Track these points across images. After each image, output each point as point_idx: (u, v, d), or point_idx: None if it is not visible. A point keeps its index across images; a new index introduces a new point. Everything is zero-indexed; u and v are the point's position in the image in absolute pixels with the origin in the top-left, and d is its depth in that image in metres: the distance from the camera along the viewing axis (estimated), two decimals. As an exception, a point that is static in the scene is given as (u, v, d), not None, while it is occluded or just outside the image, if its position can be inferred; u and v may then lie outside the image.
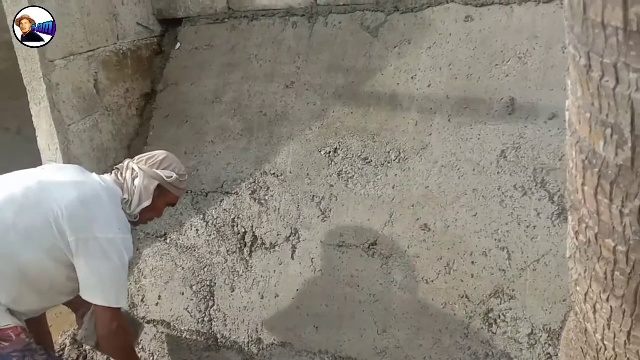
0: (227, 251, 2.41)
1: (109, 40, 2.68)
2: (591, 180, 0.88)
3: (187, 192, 2.58)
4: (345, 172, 2.33)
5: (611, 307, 1.02)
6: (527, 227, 2.00)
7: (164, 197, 1.92)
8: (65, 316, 2.60)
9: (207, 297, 2.38)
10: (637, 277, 0.91)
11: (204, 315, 2.36)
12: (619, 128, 0.77)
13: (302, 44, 2.61)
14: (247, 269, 2.36)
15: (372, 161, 2.30)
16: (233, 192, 2.50)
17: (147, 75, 2.92)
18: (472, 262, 2.04)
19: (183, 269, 2.46)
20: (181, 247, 2.50)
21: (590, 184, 0.89)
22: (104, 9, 2.63)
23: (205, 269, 2.42)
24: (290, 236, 2.34)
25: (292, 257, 2.31)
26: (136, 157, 1.95)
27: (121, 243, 1.69)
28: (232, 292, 2.35)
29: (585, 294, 1.11)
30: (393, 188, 2.24)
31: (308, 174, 2.39)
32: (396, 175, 2.25)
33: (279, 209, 2.39)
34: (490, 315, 1.98)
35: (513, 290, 1.97)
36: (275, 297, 2.29)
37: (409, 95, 2.33)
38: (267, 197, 2.43)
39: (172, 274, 2.47)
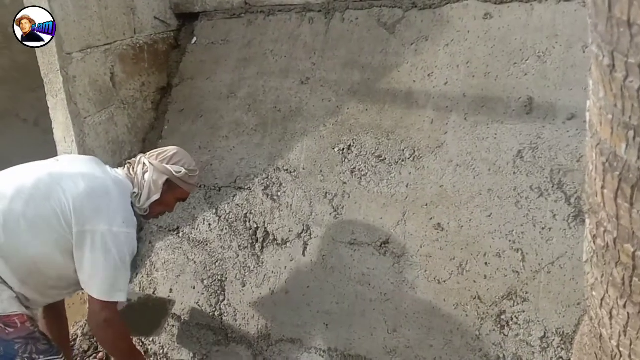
0: (239, 246, 2.41)
1: (126, 34, 2.69)
2: (611, 183, 0.86)
3: (200, 187, 2.59)
4: (359, 169, 2.32)
5: (628, 313, 1.00)
6: (543, 228, 1.97)
7: (173, 191, 1.95)
8: (78, 307, 2.63)
9: (218, 292, 2.39)
10: (657, 283, 0.89)
11: (214, 309, 2.37)
12: (642, 130, 0.75)
13: (318, 39, 2.59)
14: (258, 264, 2.36)
15: (386, 159, 2.28)
16: (246, 187, 2.50)
17: (163, 69, 2.93)
18: (486, 263, 2.02)
19: (195, 262, 2.46)
20: (193, 241, 2.51)
21: (610, 187, 0.87)
22: (122, 3, 2.65)
23: (217, 264, 2.43)
24: (301, 232, 2.33)
25: (304, 254, 2.30)
26: (148, 152, 1.99)
27: (123, 237, 1.70)
28: (242, 287, 2.35)
29: (602, 299, 1.08)
30: (407, 186, 2.22)
31: (321, 171, 2.38)
32: (410, 173, 2.23)
33: (291, 205, 2.38)
34: (503, 317, 1.96)
35: (526, 293, 1.94)
36: (286, 293, 2.28)
37: (425, 93, 2.30)
38: (279, 193, 2.42)
39: (184, 267, 2.48)
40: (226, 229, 2.46)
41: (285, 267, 2.32)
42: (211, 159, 2.63)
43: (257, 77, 2.67)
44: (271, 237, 2.38)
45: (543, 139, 2.05)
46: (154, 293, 2.49)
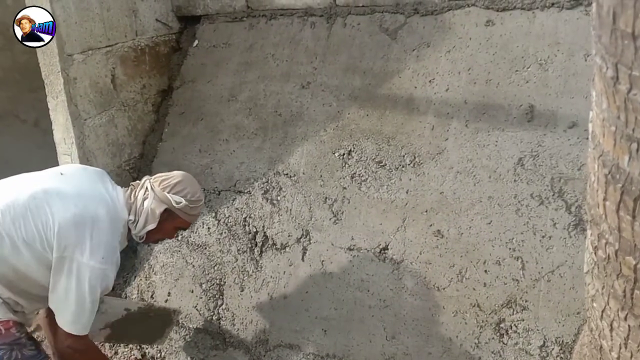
0: (238, 250, 2.41)
1: (128, 36, 2.69)
2: (613, 195, 0.86)
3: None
4: (359, 174, 2.31)
5: (629, 325, 0.99)
6: (543, 237, 1.96)
7: (173, 221, 1.86)
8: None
9: (216, 296, 2.38)
10: (659, 297, 0.88)
11: (212, 313, 2.36)
12: (645, 143, 0.74)
13: (320, 44, 2.59)
14: (257, 268, 2.35)
15: (386, 164, 2.28)
16: (245, 191, 2.49)
17: (164, 72, 2.93)
18: (485, 271, 2.01)
19: (193, 266, 2.46)
20: (192, 244, 2.50)
21: (612, 199, 0.86)
22: (124, 5, 2.64)
23: (215, 268, 2.42)
24: (301, 237, 2.32)
25: (302, 259, 2.29)
26: (155, 175, 1.90)
27: (99, 274, 1.65)
28: (241, 291, 2.35)
29: (602, 311, 1.08)
30: (407, 192, 2.21)
31: (321, 176, 2.38)
32: (410, 179, 2.22)
33: (290, 209, 2.38)
34: (502, 325, 1.95)
35: (526, 301, 1.93)
36: (284, 298, 2.27)
37: (426, 99, 2.30)
38: (279, 198, 2.42)
39: (182, 271, 2.47)
40: (225, 232, 2.46)
41: (284, 272, 2.31)
42: (211, 162, 2.63)
43: (258, 81, 2.67)
44: (270, 242, 2.37)
45: (544, 147, 2.04)
46: (152, 297, 2.48)
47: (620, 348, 1.06)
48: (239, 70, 2.75)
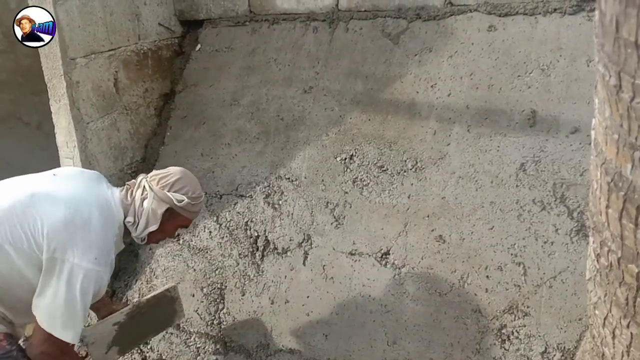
0: (239, 254, 2.40)
1: (130, 40, 2.70)
2: (616, 203, 0.85)
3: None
4: (361, 179, 2.31)
5: (631, 333, 0.99)
6: (545, 242, 1.96)
7: (174, 219, 1.80)
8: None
9: (217, 300, 2.38)
10: (661, 305, 0.88)
11: (213, 317, 2.36)
12: (648, 152, 0.74)
13: (322, 49, 2.60)
14: (258, 273, 2.35)
15: (388, 169, 2.28)
16: (247, 195, 2.49)
17: (167, 76, 2.94)
18: (487, 276, 2.01)
19: (194, 270, 2.45)
20: (193, 248, 2.50)
21: (615, 206, 0.86)
22: (127, 9, 2.65)
23: (217, 272, 2.42)
24: (302, 242, 2.32)
25: (304, 263, 2.29)
26: (151, 173, 1.83)
27: (93, 275, 1.58)
28: (242, 295, 2.34)
29: (604, 318, 1.07)
30: (408, 197, 2.21)
31: (323, 180, 2.38)
32: (412, 184, 2.22)
33: (292, 214, 2.38)
34: (504, 331, 1.94)
35: (528, 307, 1.93)
36: (285, 302, 2.27)
37: (428, 104, 2.30)
38: (280, 202, 2.42)
39: (184, 275, 2.47)
40: (227, 236, 2.46)
41: (285, 276, 2.31)
42: (213, 166, 2.63)
43: (261, 85, 2.68)
44: (272, 246, 2.37)
45: (546, 152, 2.04)
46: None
47: (622, 356, 1.05)
48: (241, 74, 2.75)
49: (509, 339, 1.93)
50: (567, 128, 2.04)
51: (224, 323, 2.34)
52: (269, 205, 2.43)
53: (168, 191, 1.75)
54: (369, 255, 2.20)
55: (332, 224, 2.30)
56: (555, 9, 2.17)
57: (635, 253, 0.87)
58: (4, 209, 1.57)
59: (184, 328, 2.39)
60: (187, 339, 2.37)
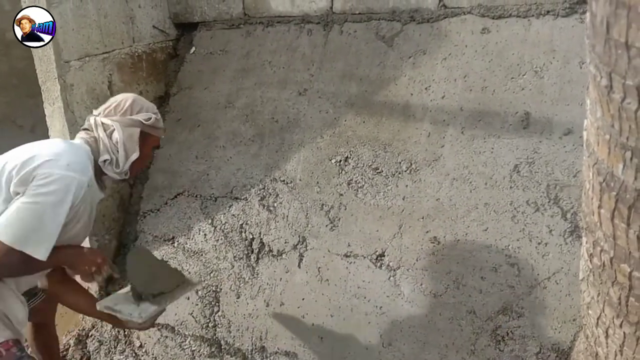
0: (234, 257, 2.40)
1: (125, 43, 2.69)
2: (608, 203, 0.86)
3: (196, 196, 2.58)
4: (355, 181, 2.31)
5: (624, 333, 1.00)
6: (539, 243, 1.97)
7: (146, 141, 1.77)
8: (70, 316, 2.60)
9: (212, 303, 2.37)
10: (654, 304, 0.88)
11: (208, 320, 2.35)
12: (639, 152, 0.74)
13: (317, 51, 2.60)
14: (253, 275, 2.35)
15: (382, 171, 2.28)
16: (242, 197, 2.49)
17: (161, 79, 2.93)
18: (481, 278, 2.01)
19: (189, 273, 2.45)
20: (188, 251, 2.50)
21: (607, 207, 0.87)
22: (121, 12, 2.65)
23: (212, 274, 2.42)
24: (297, 244, 2.32)
25: (299, 266, 2.29)
26: (99, 109, 1.77)
27: (68, 181, 1.50)
28: (237, 298, 2.34)
29: (598, 318, 1.08)
30: (403, 199, 2.21)
31: (318, 182, 2.38)
32: (407, 186, 2.23)
33: (287, 216, 2.38)
34: (498, 332, 1.95)
35: (522, 308, 1.94)
36: (281, 305, 2.27)
37: (422, 106, 2.31)
38: (275, 204, 2.42)
39: (179, 277, 2.46)
40: (221, 239, 2.45)
41: (281, 278, 2.30)
42: (207, 169, 2.62)
43: (255, 88, 2.68)
44: (267, 248, 2.37)
45: (540, 154, 2.05)
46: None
47: (615, 355, 1.06)
48: (235, 77, 2.75)
49: (504, 340, 1.93)
50: (561, 130, 2.05)
51: (219, 326, 2.33)
52: (264, 207, 2.43)
53: (130, 115, 1.72)
54: (364, 257, 2.20)
55: (327, 226, 2.30)
56: (548, 12, 2.19)
57: (627, 253, 0.87)
58: None
59: (179, 331, 2.38)
60: (182, 342, 2.36)
